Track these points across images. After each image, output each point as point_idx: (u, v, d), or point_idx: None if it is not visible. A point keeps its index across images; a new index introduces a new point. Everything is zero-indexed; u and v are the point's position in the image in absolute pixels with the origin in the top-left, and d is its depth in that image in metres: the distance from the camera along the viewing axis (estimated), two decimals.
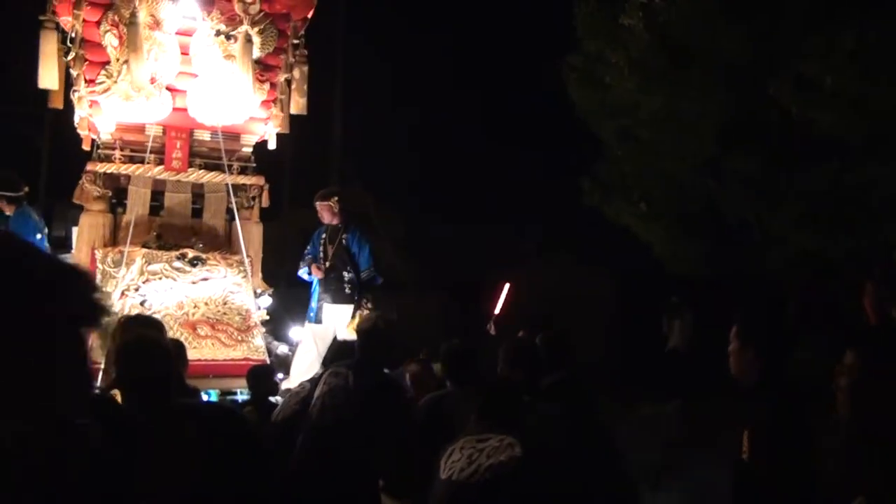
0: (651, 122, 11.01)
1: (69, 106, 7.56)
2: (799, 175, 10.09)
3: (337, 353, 5.26)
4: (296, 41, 7.78)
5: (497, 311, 7.66)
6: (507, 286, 7.64)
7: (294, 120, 8.02)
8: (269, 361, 6.85)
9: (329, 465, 3.72)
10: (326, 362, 6.38)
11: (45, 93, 7.73)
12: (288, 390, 4.89)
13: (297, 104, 7.86)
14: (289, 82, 7.81)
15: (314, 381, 4.12)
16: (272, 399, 5.26)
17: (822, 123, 9.46)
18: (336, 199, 7.74)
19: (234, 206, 7.48)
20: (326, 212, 7.73)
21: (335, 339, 7.35)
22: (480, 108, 17.94)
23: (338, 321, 7.52)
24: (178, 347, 4.68)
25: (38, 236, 7.23)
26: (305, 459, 3.78)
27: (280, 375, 6.35)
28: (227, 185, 7.62)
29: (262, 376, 5.49)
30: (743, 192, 10.67)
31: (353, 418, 3.79)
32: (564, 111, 12.43)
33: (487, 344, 7.31)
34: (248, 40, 7.16)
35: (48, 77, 7.25)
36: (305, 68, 7.84)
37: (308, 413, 3.94)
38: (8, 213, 7.24)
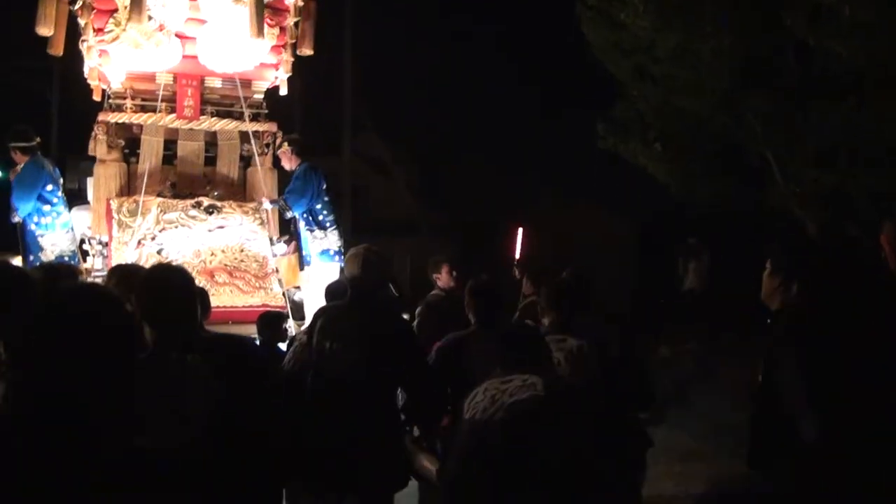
0: (667, 59, 10.85)
1: (78, 57, 7.51)
2: (816, 112, 9.95)
3: (333, 294, 5.09)
4: None
5: (517, 254, 7.65)
6: (521, 230, 7.61)
7: (305, 66, 7.94)
8: (287, 308, 6.87)
9: (343, 410, 3.68)
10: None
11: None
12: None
13: (304, 44, 7.80)
14: (297, 25, 7.70)
15: (311, 327, 4.02)
16: (282, 346, 5.18)
17: (840, 56, 9.29)
18: (287, 144, 7.66)
19: (254, 152, 7.58)
20: (285, 159, 7.69)
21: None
22: (495, 50, 17.73)
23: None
24: (201, 295, 4.69)
25: (50, 187, 7.20)
26: (318, 407, 3.73)
27: (291, 322, 6.31)
28: (237, 131, 7.62)
29: (271, 322, 5.39)
30: (760, 129, 10.55)
31: (363, 358, 3.73)
32: (579, 52, 12.26)
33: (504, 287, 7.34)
34: None
35: (44, 20, 7.20)
36: (313, 4, 7.76)
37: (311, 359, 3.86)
38: (20, 163, 7.21)
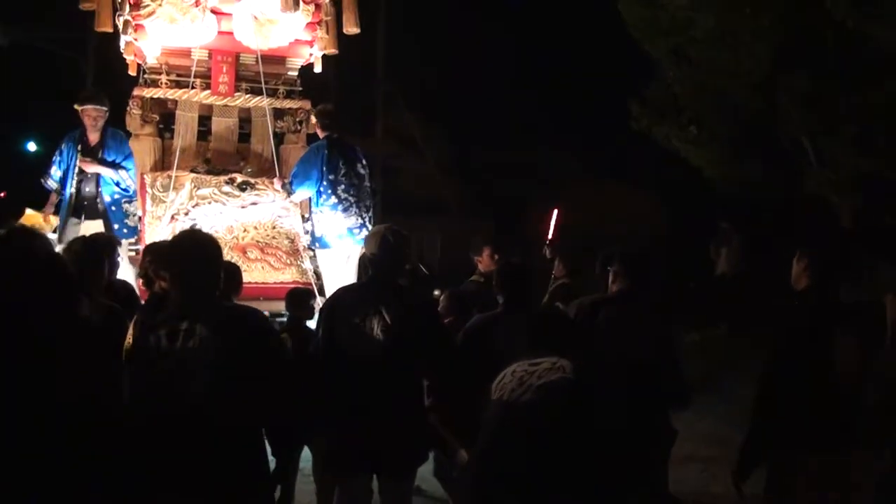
0: (704, 40, 10.71)
1: (114, 31, 7.55)
2: (855, 95, 9.79)
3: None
4: None
5: (550, 234, 7.60)
6: (555, 211, 7.55)
7: (340, 43, 7.92)
8: (316, 285, 6.90)
9: (365, 389, 3.68)
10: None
11: (89, 17, 7.71)
12: None
13: (348, 23, 7.76)
14: (335, 2, 7.68)
15: (329, 306, 3.95)
16: (309, 324, 5.13)
17: (880, 39, 9.13)
18: (314, 116, 7.32)
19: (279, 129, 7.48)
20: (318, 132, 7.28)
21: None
22: (528, 28, 17.58)
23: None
24: (234, 271, 4.74)
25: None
26: (340, 386, 3.72)
27: (318, 299, 6.26)
28: (270, 108, 7.60)
29: (300, 299, 5.31)
30: (797, 112, 10.40)
31: (383, 337, 3.72)
32: (615, 31, 12.14)
33: (535, 267, 7.31)
34: None
35: None
36: None
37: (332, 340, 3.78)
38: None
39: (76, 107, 6.81)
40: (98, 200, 6.80)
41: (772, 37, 10.18)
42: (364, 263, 4.28)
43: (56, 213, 6.80)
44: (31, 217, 6.65)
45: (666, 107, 11.79)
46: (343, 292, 4.03)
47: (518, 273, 4.43)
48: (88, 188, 6.79)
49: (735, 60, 10.63)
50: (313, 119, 7.35)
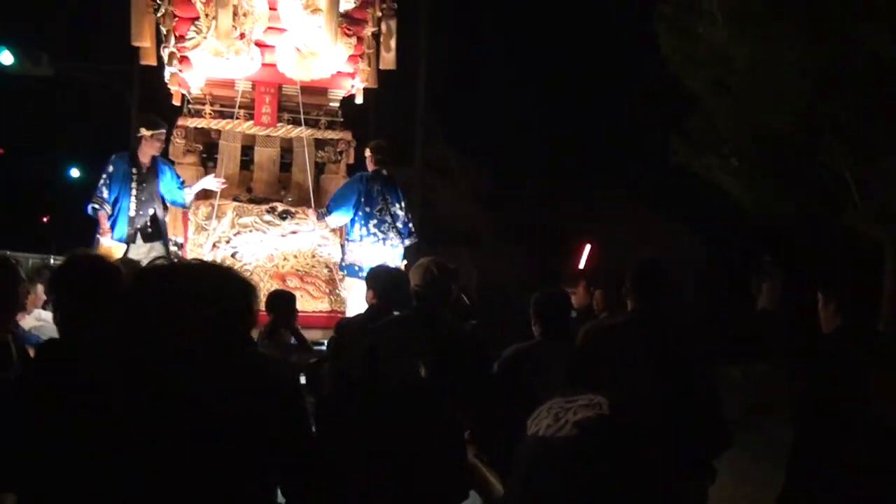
0: (744, 71, 10.68)
1: (159, 62, 7.71)
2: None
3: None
4: None
5: (581, 266, 7.56)
6: (588, 245, 7.51)
7: (379, 74, 8.01)
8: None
9: (401, 423, 3.64)
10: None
11: (134, 50, 7.88)
12: None
13: (386, 59, 7.85)
14: (376, 36, 7.78)
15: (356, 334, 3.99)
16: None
17: None
18: (368, 150, 7.43)
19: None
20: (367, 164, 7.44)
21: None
22: (566, 60, 17.63)
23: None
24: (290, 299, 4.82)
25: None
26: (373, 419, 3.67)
27: None
28: (312, 139, 7.73)
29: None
30: (838, 144, 10.29)
31: (424, 370, 3.68)
32: (653, 65, 12.16)
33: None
34: None
35: (140, 34, 7.39)
36: (394, 22, 7.80)
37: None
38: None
39: (144, 131, 6.96)
40: (157, 223, 6.96)
41: (812, 68, 10.12)
42: (403, 294, 4.29)
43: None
44: (108, 249, 6.54)
45: (706, 139, 11.74)
46: (386, 324, 4.03)
47: (554, 302, 4.40)
48: (151, 211, 6.95)
49: (775, 92, 10.57)
50: (367, 151, 7.44)
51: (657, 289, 4.02)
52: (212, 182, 7.12)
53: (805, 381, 3.60)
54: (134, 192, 6.85)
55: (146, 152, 6.94)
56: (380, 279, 5.02)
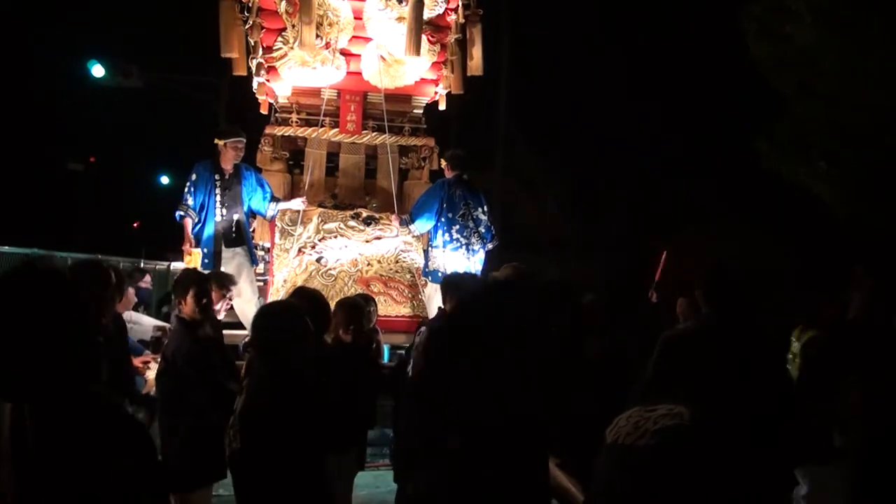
0: (834, 73, 10.37)
1: (248, 74, 7.90)
2: None
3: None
4: (466, 1, 7.72)
5: (657, 277, 7.44)
6: (664, 254, 7.40)
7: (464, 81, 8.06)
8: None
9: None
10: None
11: (221, 61, 8.09)
12: None
13: (471, 65, 7.88)
14: (460, 43, 7.83)
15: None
16: None
17: None
18: (444, 160, 7.52)
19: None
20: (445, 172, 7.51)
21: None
22: (649, 65, 17.40)
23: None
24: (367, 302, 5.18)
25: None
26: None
27: None
28: (396, 146, 7.85)
29: None
30: None
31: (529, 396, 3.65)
32: (740, 69, 11.92)
33: (647, 310, 7.14)
34: (419, 1, 7.10)
35: (229, 45, 7.58)
36: (478, 28, 7.82)
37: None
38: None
39: (221, 140, 7.07)
40: (241, 228, 7.12)
41: None
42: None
43: (196, 244, 6.96)
44: (192, 255, 6.79)
45: (794, 142, 11.44)
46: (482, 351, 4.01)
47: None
48: (235, 216, 7.09)
49: (865, 94, 10.25)
50: (443, 162, 7.51)
51: (728, 294, 3.92)
52: (298, 204, 7.25)
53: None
54: (218, 197, 7.01)
55: (227, 160, 7.10)
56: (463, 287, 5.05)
